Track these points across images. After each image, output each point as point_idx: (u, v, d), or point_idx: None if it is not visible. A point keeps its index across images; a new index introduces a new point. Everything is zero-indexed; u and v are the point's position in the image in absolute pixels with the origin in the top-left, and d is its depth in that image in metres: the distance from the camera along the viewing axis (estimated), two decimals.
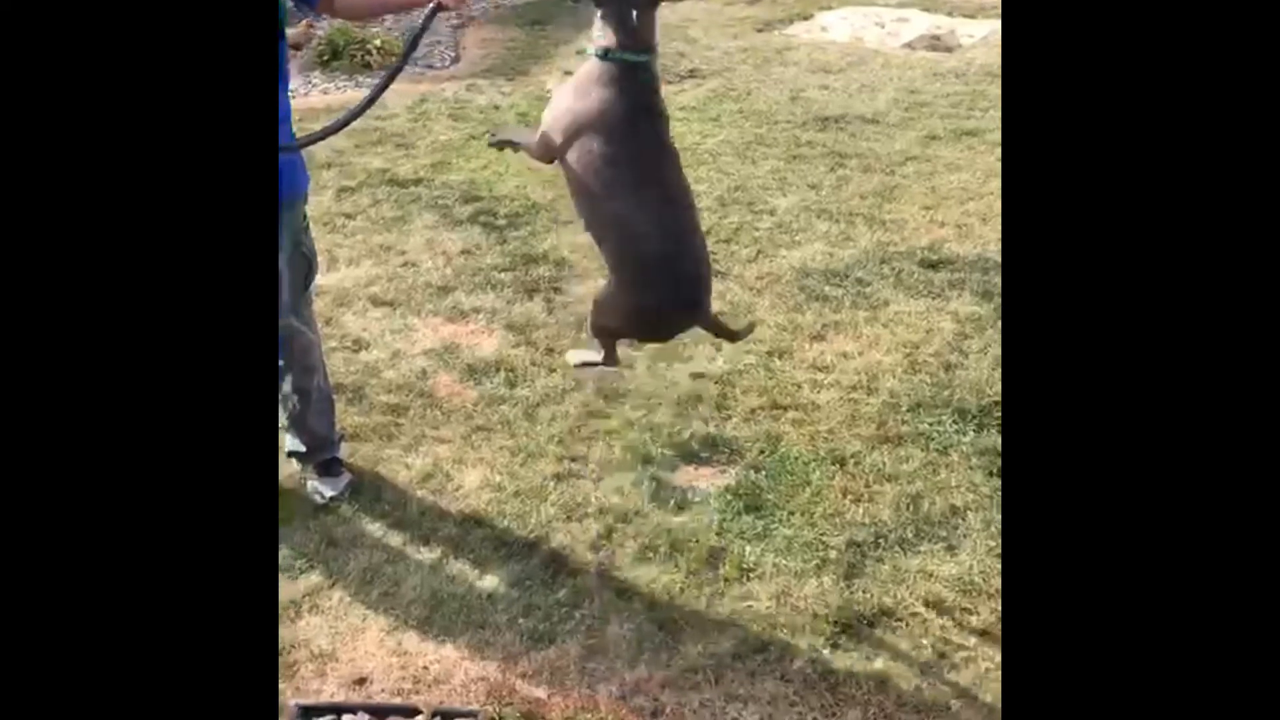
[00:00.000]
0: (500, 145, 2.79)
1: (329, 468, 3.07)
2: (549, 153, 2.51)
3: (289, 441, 3.10)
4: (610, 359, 2.76)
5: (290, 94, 6.05)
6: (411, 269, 4.28)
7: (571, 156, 2.47)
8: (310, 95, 6.35)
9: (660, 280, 2.51)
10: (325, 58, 6.74)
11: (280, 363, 2.96)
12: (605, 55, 2.40)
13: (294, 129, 2.79)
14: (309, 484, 3.05)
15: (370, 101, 2.40)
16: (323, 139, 2.56)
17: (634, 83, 2.41)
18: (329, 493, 3.01)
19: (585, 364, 2.94)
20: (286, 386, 3.00)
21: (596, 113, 2.41)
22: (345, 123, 2.51)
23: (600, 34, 2.41)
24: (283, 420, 3.08)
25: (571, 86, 2.50)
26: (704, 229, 4.51)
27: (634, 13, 2.38)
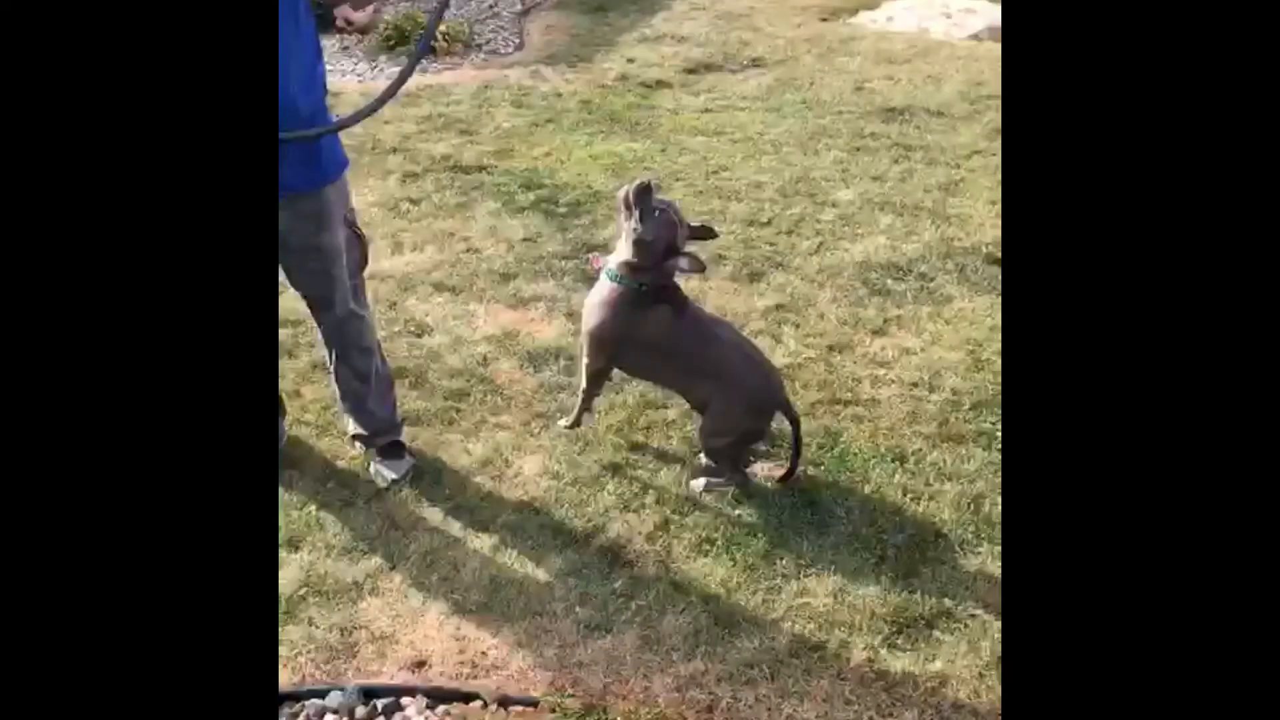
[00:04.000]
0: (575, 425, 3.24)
1: (392, 451, 3.11)
2: (603, 372, 3.11)
3: (350, 425, 3.14)
4: (743, 475, 3.06)
5: (357, 77, 6.07)
6: (474, 255, 4.31)
7: (628, 363, 3.09)
8: (377, 80, 6.41)
9: (762, 400, 3.01)
10: (391, 42, 6.78)
11: (333, 349, 3.00)
12: (617, 279, 2.93)
13: (337, 114, 2.76)
14: (372, 467, 3.09)
15: (400, 83, 2.37)
16: (354, 123, 2.54)
17: (645, 298, 2.91)
18: (391, 476, 3.05)
19: (716, 488, 3.04)
20: (345, 371, 3.04)
21: (625, 335, 2.97)
22: (375, 108, 2.49)
23: (621, 247, 2.94)
24: (343, 405, 3.12)
25: (594, 309, 3.00)
26: (765, 220, 4.53)
27: (658, 250, 2.87)
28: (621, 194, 2.92)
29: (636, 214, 2.87)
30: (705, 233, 3.04)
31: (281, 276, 2.89)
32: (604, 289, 2.97)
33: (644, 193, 2.87)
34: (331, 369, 3.08)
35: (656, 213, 2.87)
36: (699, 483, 3.04)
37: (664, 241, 2.87)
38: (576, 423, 3.20)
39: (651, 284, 2.91)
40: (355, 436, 3.15)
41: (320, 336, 3.06)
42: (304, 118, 2.56)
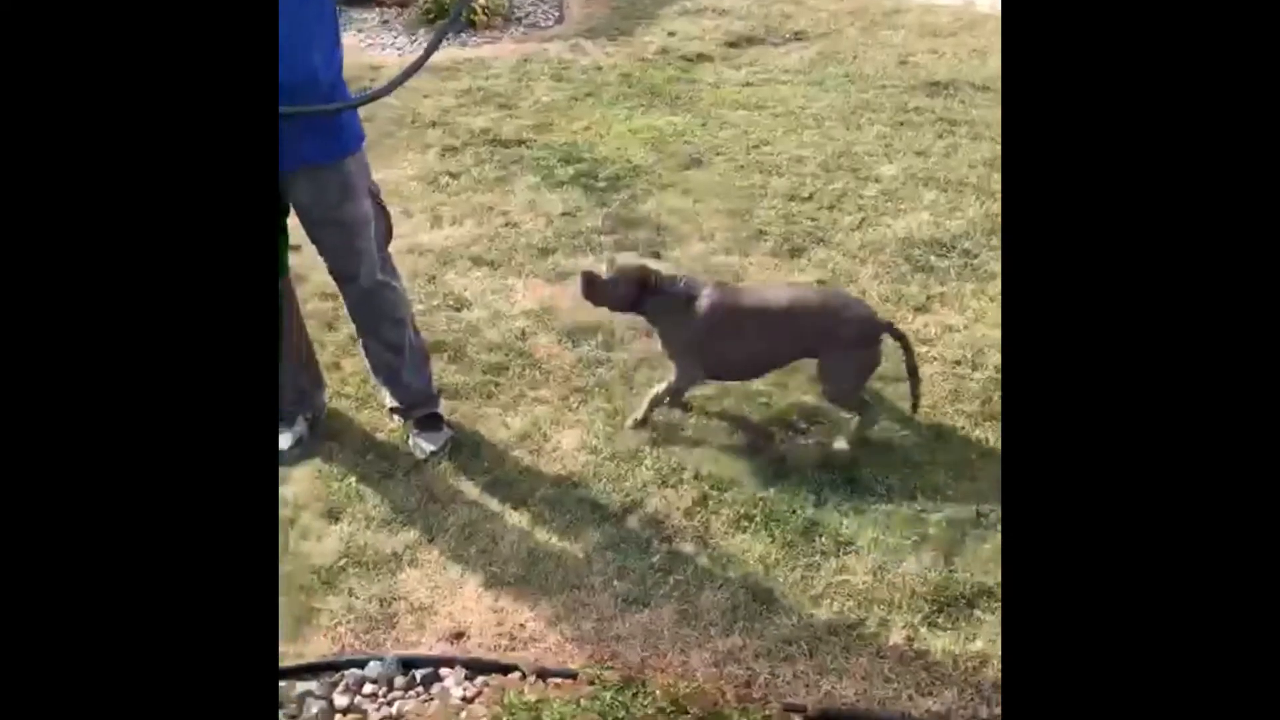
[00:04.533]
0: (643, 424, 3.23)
1: (429, 423, 3.12)
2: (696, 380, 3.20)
3: (387, 398, 3.15)
4: (874, 409, 3.15)
5: (397, 51, 6.04)
6: (513, 229, 4.30)
7: (733, 353, 3.12)
8: (417, 53, 6.39)
9: (870, 340, 3.08)
10: (431, 15, 6.77)
11: (363, 321, 3.01)
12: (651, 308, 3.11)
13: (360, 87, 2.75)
14: (410, 439, 3.10)
15: (425, 57, 2.36)
16: (381, 96, 2.53)
17: (693, 299, 3.04)
18: (429, 448, 3.06)
19: (860, 425, 3.13)
20: (375, 344, 3.04)
21: (691, 341, 3.08)
22: (399, 82, 2.46)
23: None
24: (376, 378, 3.13)
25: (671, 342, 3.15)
26: (807, 195, 4.49)
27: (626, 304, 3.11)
28: (580, 290, 3.17)
29: (603, 301, 3.15)
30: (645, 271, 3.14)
31: (312, 250, 2.90)
32: (653, 326, 3.19)
33: (589, 283, 3.13)
34: (360, 342, 3.09)
35: (611, 280, 3.10)
36: (841, 442, 3.08)
37: (629, 290, 3.08)
38: (645, 422, 3.18)
39: (676, 295, 3.05)
40: (393, 409, 3.16)
41: (346, 310, 3.07)
42: (324, 91, 2.59)
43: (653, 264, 3.19)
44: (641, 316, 3.17)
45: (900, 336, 3.08)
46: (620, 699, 1.65)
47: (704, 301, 3.03)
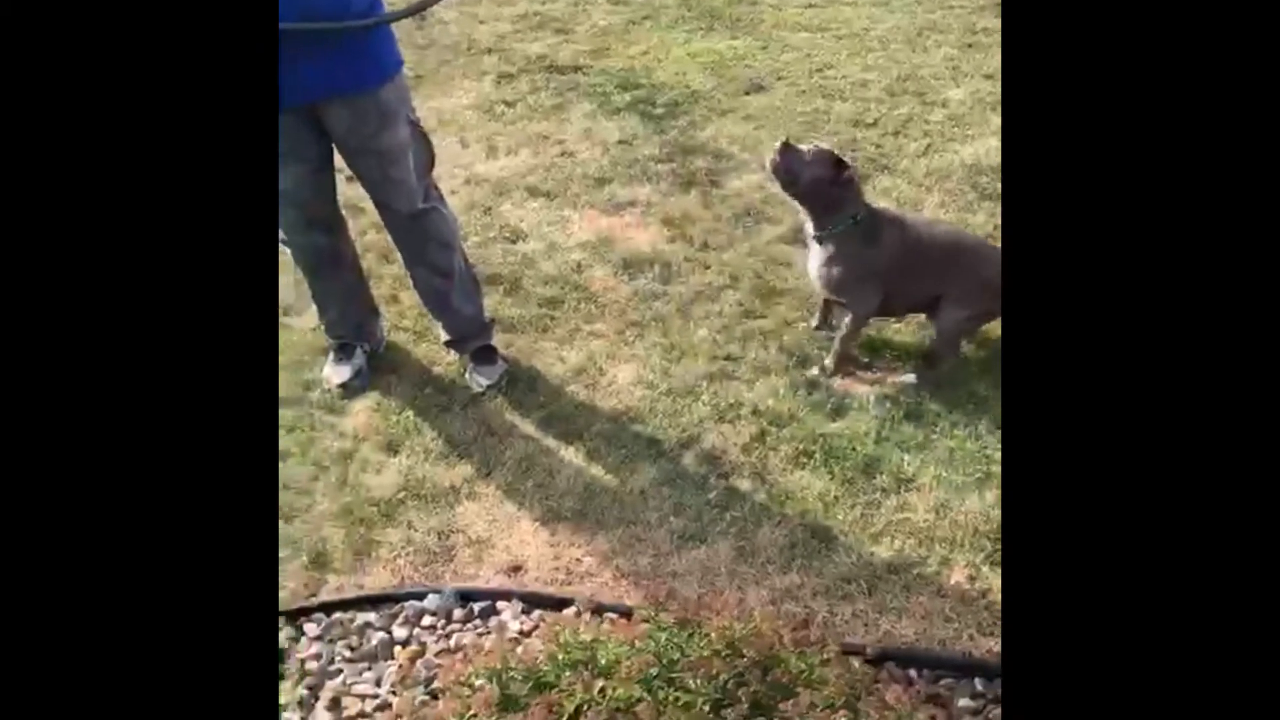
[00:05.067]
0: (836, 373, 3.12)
1: (484, 356, 3.10)
2: (871, 314, 3.07)
3: (441, 331, 3.13)
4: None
5: None
6: (569, 159, 4.24)
7: (893, 291, 3.02)
8: None
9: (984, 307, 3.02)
10: None
11: (408, 249, 2.97)
12: (829, 233, 2.96)
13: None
14: (466, 372, 3.10)
15: None
16: (412, 14, 2.46)
17: (865, 229, 2.94)
18: (485, 382, 3.05)
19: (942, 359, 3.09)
20: (422, 270, 3.00)
21: (872, 270, 2.97)
22: (428, 3, 2.41)
23: (803, 214, 3.01)
24: (426, 307, 3.12)
25: (831, 268, 2.98)
26: (871, 121, 4.36)
27: (815, 191, 2.93)
28: (768, 163, 2.97)
29: (789, 172, 2.93)
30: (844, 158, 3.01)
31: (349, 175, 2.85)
32: (826, 250, 2.98)
33: (786, 150, 2.93)
34: (408, 271, 3.07)
35: (808, 155, 2.93)
36: (909, 376, 3.06)
37: (824, 172, 2.91)
38: (837, 370, 3.08)
39: (859, 215, 2.94)
40: (447, 342, 3.14)
41: (391, 239, 3.04)
42: (357, 13, 2.47)
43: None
44: (809, 216, 2.97)
45: None
46: (675, 640, 1.63)
47: (887, 228, 2.96)
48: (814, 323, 3.24)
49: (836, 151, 2.98)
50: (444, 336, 3.13)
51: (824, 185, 2.91)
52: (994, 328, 3.15)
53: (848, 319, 3.04)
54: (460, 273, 3.03)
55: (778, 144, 2.95)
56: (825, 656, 1.65)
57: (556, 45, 5.28)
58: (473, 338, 3.10)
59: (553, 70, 5.00)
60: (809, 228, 3.00)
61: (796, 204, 2.99)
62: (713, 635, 1.61)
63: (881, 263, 2.95)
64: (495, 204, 3.96)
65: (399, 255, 3.08)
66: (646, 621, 1.72)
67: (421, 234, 2.93)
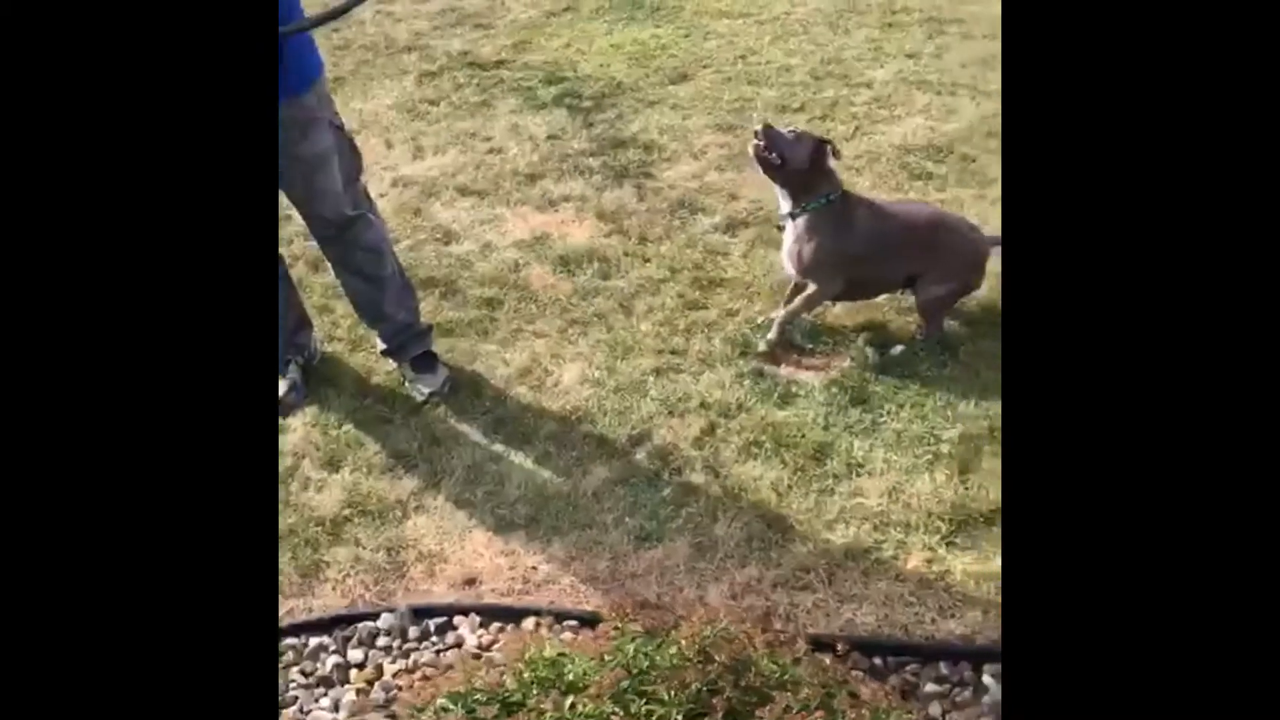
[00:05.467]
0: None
1: (425, 363, 3.04)
2: (829, 295, 3.10)
3: (378, 341, 3.06)
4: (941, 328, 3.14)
5: None
6: (498, 156, 4.18)
7: (855, 279, 3.06)
8: None
9: (979, 257, 3.07)
10: None
11: (335, 257, 2.92)
12: (802, 211, 2.99)
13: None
14: (406, 381, 3.03)
15: None
16: (334, 19, 2.40)
17: (838, 209, 2.98)
18: (427, 390, 2.98)
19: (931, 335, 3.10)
20: (351, 278, 2.95)
21: (841, 251, 2.99)
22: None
23: (779, 195, 3.05)
24: (359, 316, 3.07)
25: (802, 245, 3.00)
26: (798, 105, 4.36)
27: (806, 167, 2.95)
28: (751, 148, 3.01)
29: (772, 154, 2.96)
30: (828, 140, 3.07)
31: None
32: (798, 226, 3.02)
33: (769, 132, 2.97)
34: (338, 280, 3.01)
35: (791, 137, 2.97)
36: (897, 349, 3.06)
37: (809, 153, 2.96)
38: (772, 351, 3.07)
39: (833, 195, 2.99)
40: (384, 351, 3.07)
41: (319, 248, 2.98)
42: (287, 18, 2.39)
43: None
44: (787, 196, 3.01)
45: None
46: (645, 650, 1.60)
47: (860, 209, 3.01)
48: (773, 334, 3.12)
49: (821, 136, 3.07)
50: (380, 345, 3.06)
51: (806, 165, 2.95)
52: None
53: (800, 297, 3.04)
54: (393, 279, 2.96)
55: (757, 128, 2.99)
56: (796, 655, 1.63)
57: (477, 41, 5.20)
58: (410, 345, 3.03)
59: (475, 66, 4.92)
60: (784, 207, 3.04)
61: (775, 185, 3.03)
62: (683, 643, 1.58)
63: (853, 245, 2.98)
64: (425, 205, 3.89)
65: (329, 264, 3.01)
66: (614, 632, 1.69)
67: (351, 241, 2.86)
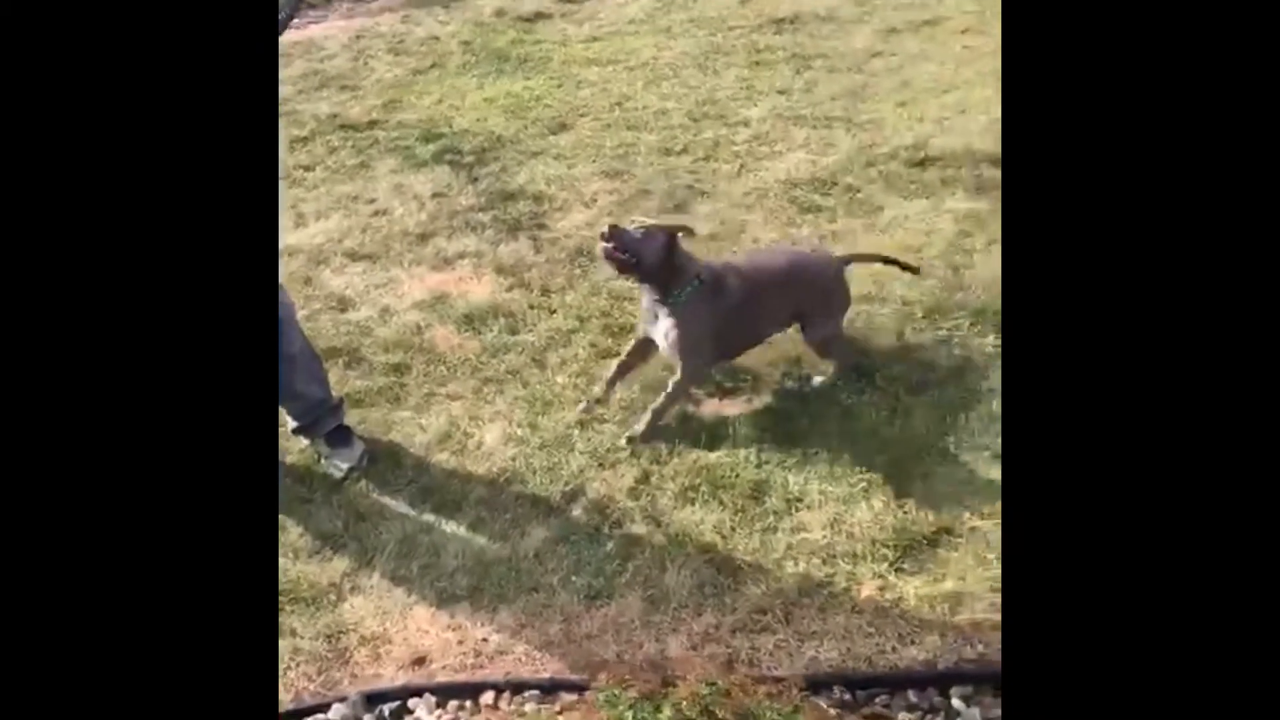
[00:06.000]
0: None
1: (339, 438, 2.92)
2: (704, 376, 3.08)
3: (287, 419, 2.93)
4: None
5: None
6: (384, 217, 4.08)
7: (732, 348, 3.08)
8: None
9: (841, 281, 3.13)
10: None
11: None
12: (676, 300, 2.90)
13: None
14: (322, 459, 2.90)
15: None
16: None
17: (709, 289, 2.91)
18: (345, 465, 2.87)
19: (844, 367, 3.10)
20: None
21: (720, 328, 2.94)
22: None
23: (642, 292, 2.98)
24: None
25: (679, 333, 2.91)
26: (680, 148, 4.40)
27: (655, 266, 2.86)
28: (599, 250, 2.88)
29: (626, 255, 2.84)
30: (678, 228, 2.98)
31: None
32: (674, 317, 2.91)
33: (616, 233, 2.84)
34: None
35: (639, 234, 2.86)
36: (819, 378, 3.07)
37: (662, 247, 2.86)
38: (647, 439, 2.92)
39: (702, 274, 2.92)
40: (296, 430, 2.94)
41: None
42: None
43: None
44: (654, 291, 2.90)
45: (869, 258, 3.27)
46: (643, 715, 1.55)
47: (730, 279, 2.93)
48: (598, 389, 3.08)
49: (672, 223, 3.01)
50: (291, 424, 2.92)
51: (660, 260, 2.86)
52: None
53: (674, 380, 2.95)
54: (302, 354, 2.84)
55: (604, 230, 2.85)
56: (796, 705, 1.60)
57: (344, 102, 5.10)
58: (324, 421, 2.91)
59: (347, 128, 4.82)
60: (648, 298, 2.95)
61: (638, 283, 2.95)
62: (683, 704, 1.54)
63: (728, 317, 2.93)
64: (315, 273, 3.77)
65: None
66: (605, 699, 1.63)
67: None
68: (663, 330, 2.95)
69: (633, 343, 3.08)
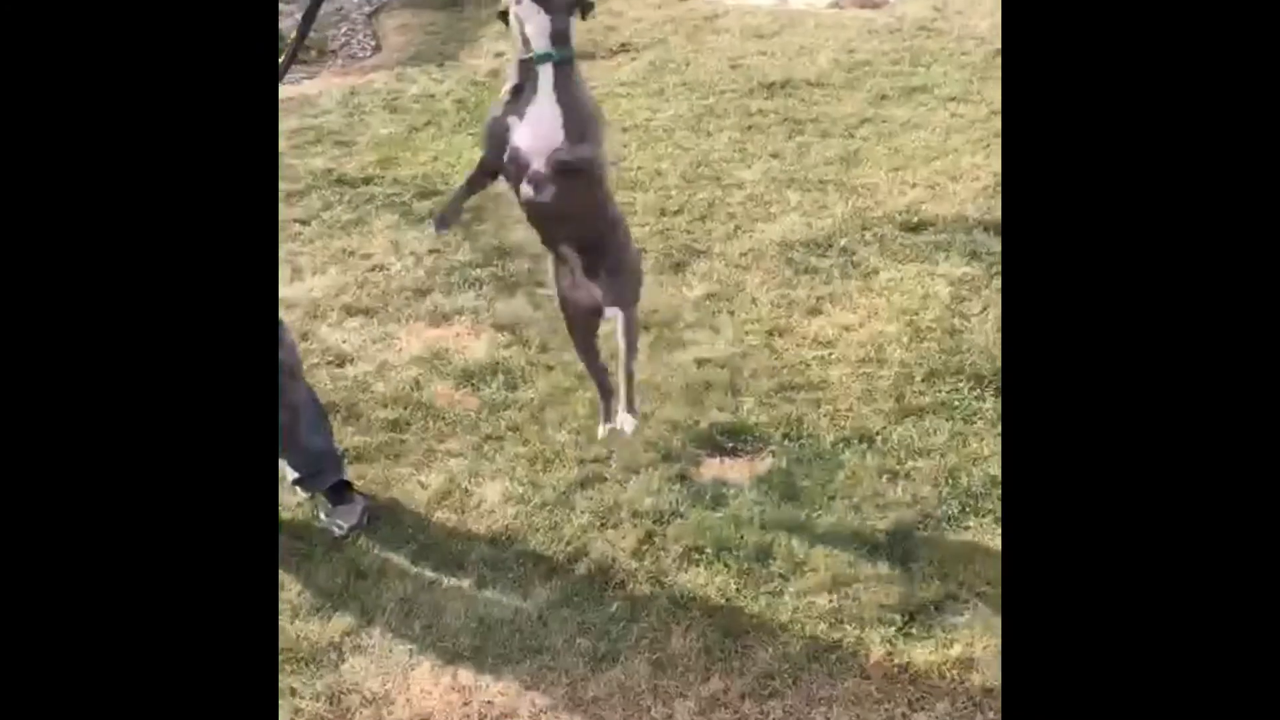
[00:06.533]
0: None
1: (340, 495, 2.88)
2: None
3: (287, 471, 2.89)
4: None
5: None
6: (381, 273, 4.08)
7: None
8: None
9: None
10: None
11: None
12: None
13: None
14: (322, 515, 2.86)
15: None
16: None
17: None
18: (346, 524, 2.83)
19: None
20: None
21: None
22: None
23: None
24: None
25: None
26: (676, 208, 4.43)
27: None
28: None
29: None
30: None
31: None
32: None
33: None
34: None
35: None
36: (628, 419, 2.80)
37: None
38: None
39: None
40: (296, 482, 2.90)
41: None
42: None
43: None
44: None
45: None
46: None
47: None
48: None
49: None
50: (291, 475, 2.89)
51: None
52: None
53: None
54: (307, 405, 2.82)
55: None
56: None
57: (340, 158, 5.11)
58: (326, 473, 2.87)
59: (342, 184, 4.82)
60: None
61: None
62: None
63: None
64: (312, 328, 3.75)
65: None
66: None
67: None
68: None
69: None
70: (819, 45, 6.37)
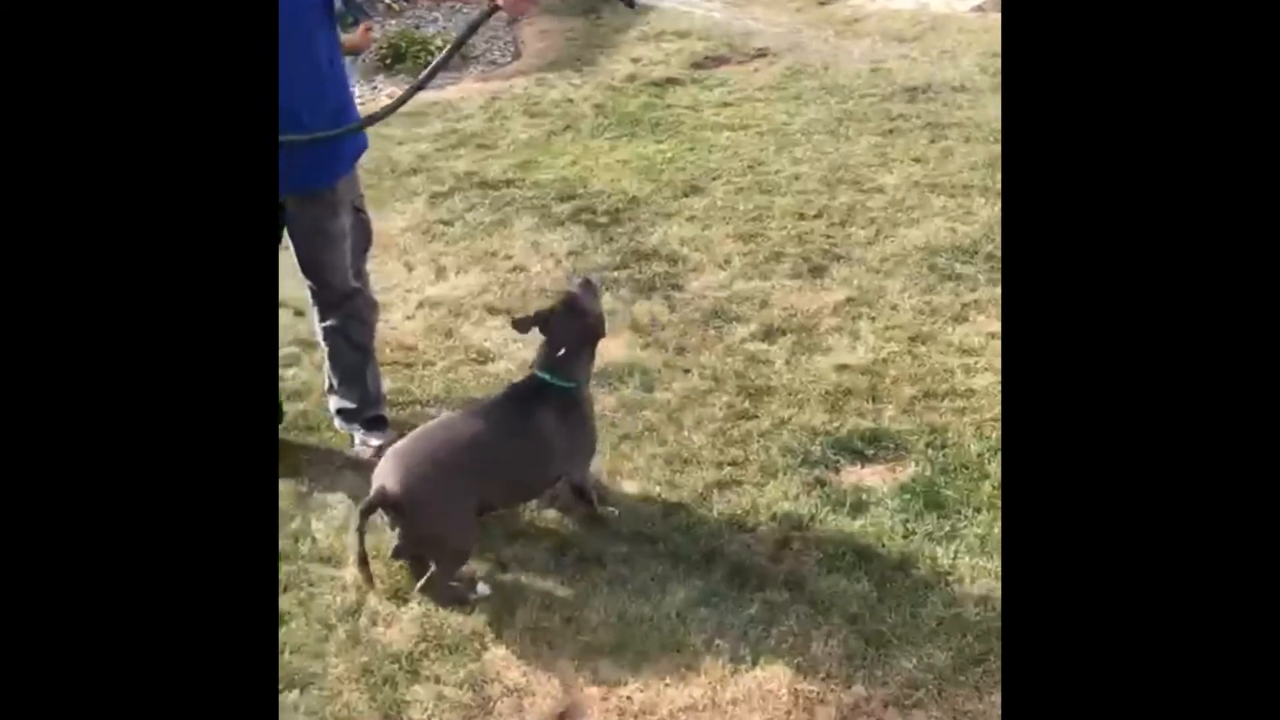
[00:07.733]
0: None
1: (376, 423, 3.17)
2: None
3: (335, 401, 3.19)
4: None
5: (358, 100, 5.93)
6: (521, 274, 4.14)
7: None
8: (377, 99, 6.21)
9: None
10: (388, 60, 6.61)
11: (333, 323, 3.06)
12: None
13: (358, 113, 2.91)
14: (356, 438, 3.15)
15: (419, 88, 2.75)
16: (378, 121, 2.81)
17: None
18: (376, 443, 3.07)
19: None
20: (341, 342, 3.10)
21: None
22: (399, 103, 2.77)
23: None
24: (334, 377, 3.17)
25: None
26: (815, 212, 4.39)
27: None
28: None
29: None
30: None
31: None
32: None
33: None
34: (326, 343, 3.13)
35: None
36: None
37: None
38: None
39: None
40: (340, 411, 3.20)
41: (315, 316, 3.12)
42: (306, 127, 2.62)
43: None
44: None
45: None
46: None
47: None
48: None
49: None
50: (336, 406, 3.19)
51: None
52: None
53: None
54: (375, 356, 3.18)
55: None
56: None
57: (482, 161, 5.21)
58: (367, 409, 3.16)
59: (485, 186, 4.91)
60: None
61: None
62: None
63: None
64: (455, 326, 3.82)
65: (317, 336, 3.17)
66: None
67: (350, 313, 3.06)
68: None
69: None
70: (962, 49, 6.26)
